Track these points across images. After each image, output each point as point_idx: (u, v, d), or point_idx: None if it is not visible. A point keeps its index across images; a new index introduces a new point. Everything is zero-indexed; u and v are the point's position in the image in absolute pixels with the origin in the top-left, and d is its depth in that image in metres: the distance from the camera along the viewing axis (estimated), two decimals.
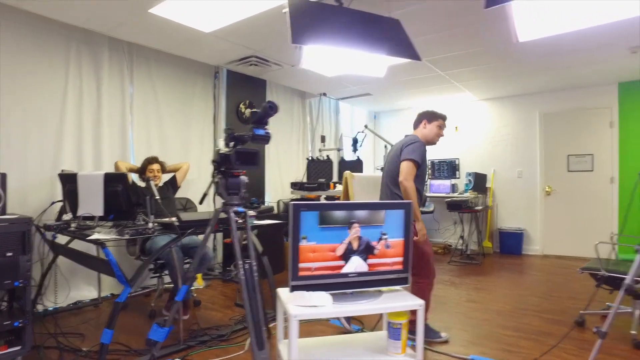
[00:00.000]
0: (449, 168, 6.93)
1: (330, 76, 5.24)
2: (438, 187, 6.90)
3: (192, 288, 4.14)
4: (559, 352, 2.67)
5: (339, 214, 2.00)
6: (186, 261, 3.46)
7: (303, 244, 1.95)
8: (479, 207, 6.06)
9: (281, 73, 5.20)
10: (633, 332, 2.90)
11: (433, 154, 7.14)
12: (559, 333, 2.93)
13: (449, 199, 5.96)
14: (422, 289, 2.83)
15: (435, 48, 4.26)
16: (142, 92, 4.24)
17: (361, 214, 2.03)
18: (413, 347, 2.02)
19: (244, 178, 2.05)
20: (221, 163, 1.97)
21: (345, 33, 2.39)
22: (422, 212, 6.77)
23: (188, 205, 4.19)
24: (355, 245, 2.02)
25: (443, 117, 3.10)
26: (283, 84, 5.82)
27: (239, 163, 1.93)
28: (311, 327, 3.10)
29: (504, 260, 5.90)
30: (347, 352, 2.08)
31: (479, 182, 6.37)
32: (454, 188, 6.75)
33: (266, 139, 1.99)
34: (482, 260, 5.82)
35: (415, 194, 2.76)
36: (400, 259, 2.12)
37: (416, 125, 3.13)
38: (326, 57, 4.04)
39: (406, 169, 2.77)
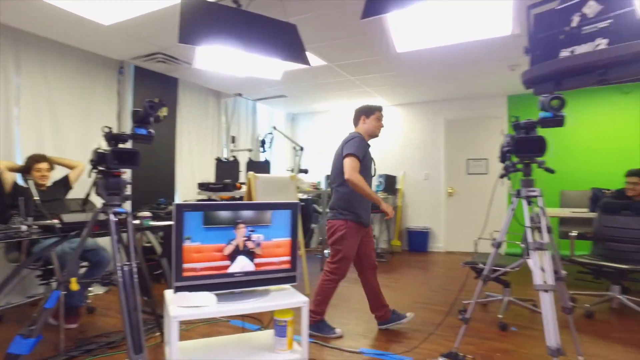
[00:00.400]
0: None
1: (243, 77, 5.22)
2: None
3: (89, 294, 3.91)
4: (439, 339, 2.92)
5: (224, 214, 2.02)
6: (83, 265, 3.27)
7: (187, 244, 1.94)
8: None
9: (194, 71, 5.07)
10: (500, 316, 3.26)
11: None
12: (445, 323, 3.18)
13: None
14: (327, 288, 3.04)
15: (340, 53, 4.42)
16: (32, 84, 3.91)
17: (247, 214, 2.06)
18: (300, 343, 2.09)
19: (125, 178, 1.98)
20: (98, 162, 1.90)
21: (240, 35, 2.41)
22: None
23: (90, 206, 3.94)
24: (241, 245, 2.05)
25: (379, 109, 3.16)
26: (196, 82, 5.69)
27: (116, 163, 1.87)
28: (211, 329, 3.07)
29: (411, 258, 6.27)
30: (233, 352, 2.10)
31: (389, 183, 6.71)
32: None
33: (148, 139, 1.95)
34: (390, 258, 6.13)
35: (365, 184, 2.87)
36: (287, 258, 2.19)
37: (356, 122, 3.18)
38: (222, 59, 3.99)
39: (349, 164, 2.86)
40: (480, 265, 3.34)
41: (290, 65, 4.32)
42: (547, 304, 1.88)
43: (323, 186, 7.42)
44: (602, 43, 2.27)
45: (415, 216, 7.03)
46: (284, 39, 2.48)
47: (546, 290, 1.91)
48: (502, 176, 2.28)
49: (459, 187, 6.75)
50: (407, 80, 5.59)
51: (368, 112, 3.11)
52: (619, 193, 3.97)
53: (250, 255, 2.07)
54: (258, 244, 2.08)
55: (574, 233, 3.83)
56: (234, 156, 5.85)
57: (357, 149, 2.90)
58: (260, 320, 3.20)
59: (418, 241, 6.82)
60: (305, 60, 2.48)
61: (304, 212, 6.39)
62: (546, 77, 2.50)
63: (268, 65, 4.12)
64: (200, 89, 5.85)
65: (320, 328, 3.02)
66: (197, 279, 1.98)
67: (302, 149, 5.53)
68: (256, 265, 2.10)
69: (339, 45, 4.14)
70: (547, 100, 2.06)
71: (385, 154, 7.22)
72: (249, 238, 2.06)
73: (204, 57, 3.89)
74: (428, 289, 4.38)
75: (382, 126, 3.18)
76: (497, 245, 2.25)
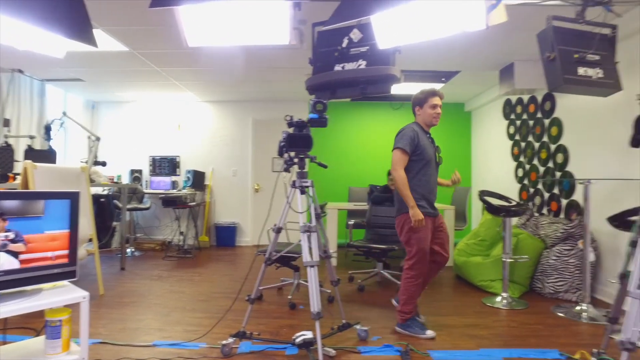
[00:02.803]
0: (170, 165, 6.97)
1: (22, 50, 4.44)
2: (158, 183, 6.86)
3: None
4: (231, 323, 3.10)
5: None
6: None
7: None
8: (194, 203, 6.35)
9: None
10: (290, 297, 3.67)
11: (155, 150, 7.06)
12: (240, 309, 3.38)
13: (163, 195, 6.01)
14: (407, 284, 2.92)
15: (142, 41, 4.20)
16: None
17: (8, 204, 1.83)
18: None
19: None
20: None
21: (19, 5, 2.10)
22: (138, 209, 6.52)
23: None
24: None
25: (432, 94, 2.95)
26: None
27: None
28: None
29: (219, 252, 6.37)
30: None
31: (197, 179, 6.67)
32: (174, 185, 6.84)
33: None
34: (196, 253, 6.12)
35: (405, 183, 2.80)
36: (65, 252, 2.02)
37: (414, 114, 3.09)
38: None
39: (394, 158, 2.86)
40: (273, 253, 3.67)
41: (76, 45, 3.89)
42: (312, 277, 2.24)
43: (125, 180, 6.92)
44: (362, 64, 2.80)
45: (223, 212, 7.16)
46: (66, 11, 2.27)
47: (312, 266, 2.27)
48: (285, 170, 2.58)
49: (265, 184, 7.18)
50: (215, 78, 5.68)
51: (421, 102, 2.99)
52: (385, 188, 4.89)
53: (13, 251, 1.85)
54: (19, 239, 1.87)
55: (351, 222, 4.56)
56: (7, 142, 4.92)
57: (405, 141, 2.85)
58: (35, 330, 2.83)
59: (226, 236, 6.97)
60: (91, 41, 2.31)
61: (102, 209, 5.82)
62: (324, 86, 2.94)
63: (48, 40, 3.62)
64: None
65: (408, 326, 2.94)
66: None
67: (98, 139, 5.03)
68: (22, 262, 1.89)
69: (140, 32, 3.95)
70: (313, 104, 2.44)
71: (195, 150, 7.15)
72: (8, 232, 1.83)
73: None
74: (229, 280, 4.56)
75: (439, 113, 2.99)
76: (277, 230, 2.54)
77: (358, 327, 2.86)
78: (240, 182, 7.17)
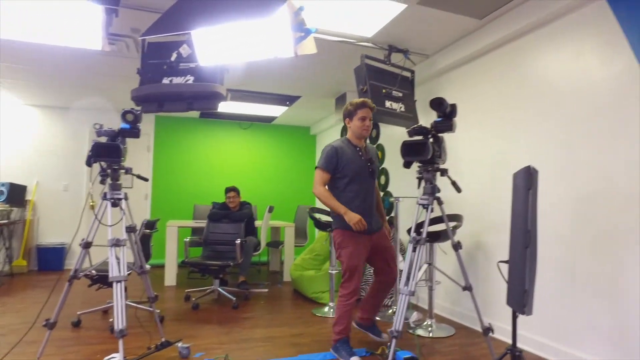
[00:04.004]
0: None
1: None
2: None
3: None
4: (29, 349, 2.73)
5: None
6: None
7: None
8: (5, 221, 5.46)
9: None
10: (111, 320, 3.40)
11: None
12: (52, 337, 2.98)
13: None
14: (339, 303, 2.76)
15: None
16: None
17: None
18: None
19: None
20: None
21: None
22: None
23: None
24: None
25: (360, 106, 2.78)
26: None
27: None
28: None
29: (39, 278, 5.56)
30: None
31: (15, 193, 5.77)
32: None
33: None
34: (6, 281, 5.24)
35: (327, 196, 2.72)
36: None
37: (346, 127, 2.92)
38: None
39: (315, 177, 2.80)
40: (93, 272, 3.38)
41: None
42: (118, 293, 2.14)
43: None
44: (190, 79, 2.84)
45: (49, 231, 6.30)
46: None
47: (119, 281, 2.16)
48: (100, 182, 2.43)
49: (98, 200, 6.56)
50: (40, 80, 5.06)
51: (350, 114, 2.83)
52: (223, 205, 4.92)
53: None
54: None
55: (187, 239, 4.46)
56: None
57: (323, 160, 2.78)
58: None
59: (51, 259, 6.12)
60: None
61: None
62: (150, 98, 2.89)
63: None
64: None
65: (337, 349, 2.78)
66: None
67: None
68: None
69: None
70: (123, 114, 2.38)
71: (14, 160, 6.18)
72: None
73: None
74: (39, 308, 4.00)
75: (369, 125, 2.82)
76: (85, 245, 2.37)
77: (179, 344, 2.79)
78: (73, 197, 6.42)
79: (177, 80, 2.85)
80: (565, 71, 2.87)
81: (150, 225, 3.93)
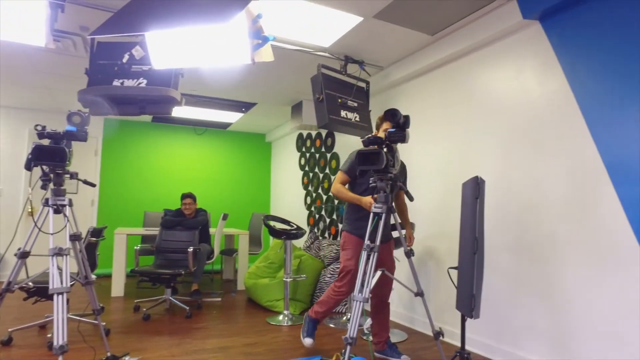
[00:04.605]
0: None
1: None
2: None
3: None
4: None
5: None
6: None
7: None
8: None
9: None
10: (49, 335, 3.19)
11: None
12: None
13: None
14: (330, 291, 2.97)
15: None
16: None
17: None
18: None
19: None
20: None
21: None
22: None
23: None
24: None
25: (384, 118, 2.79)
26: None
27: None
28: None
29: None
30: None
31: None
32: None
33: None
34: None
35: (342, 190, 2.90)
36: None
37: None
38: None
39: (335, 178, 3.01)
40: (30, 284, 3.15)
41: None
42: (59, 306, 2.01)
43: None
44: (143, 82, 2.75)
45: None
46: None
47: (60, 293, 2.04)
48: (42, 187, 2.29)
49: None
50: None
51: (377, 126, 2.97)
52: (178, 212, 4.78)
53: None
54: None
55: (137, 247, 4.28)
56: None
57: (346, 164, 2.95)
58: None
59: None
60: None
61: None
62: (99, 100, 2.76)
63: None
64: None
65: (306, 320, 3.07)
66: None
67: None
68: None
69: None
70: (68, 116, 2.27)
71: None
72: None
73: None
74: None
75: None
76: (21, 255, 2.21)
77: (127, 358, 2.67)
78: (9, 203, 5.98)
79: (129, 82, 2.74)
80: (506, 88, 3.06)
81: (96, 233, 3.74)
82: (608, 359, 2.31)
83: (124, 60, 2.78)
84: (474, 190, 2.09)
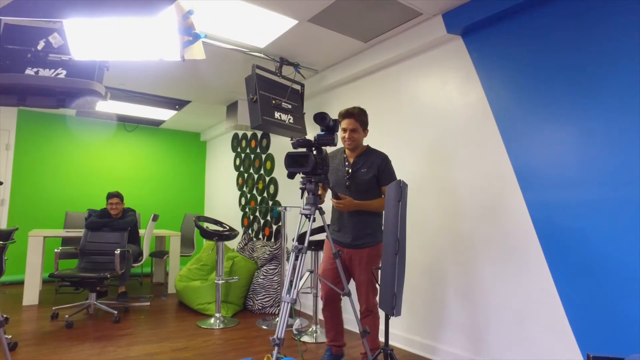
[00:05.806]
0: None
1: None
2: None
3: None
4: None
5: None
6: None
7: None
8: None
9: None
10: None
11: None
12: None
13: None
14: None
15: None
16: None
17: None
18: None
19: None
20: None
21: None
22: None
23: None
24: None
25: (340, 116, 2.77)
26: None
27: None
28: None
29: None
30: None
31: None
32: None
33: None
34: None
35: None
36: None
37: None
38: None
39: None
40: None
41: None
42: None
43: None
44: (62, 73, 2.57)
45: None
46: None
47: None
48: None
49: None
50: None
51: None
52: (104, 212, 4.51)
53: None
54: None
55: (57, 250, 3.99)
56: None
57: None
58: None
59: None
60: None
61: None
62: (9, 89, 2.54)
63: None
64: None
65: None
66: None
67: None
68: None
69: None
70: None
71: None
72: None
73: None
74: None
75: (349, 136, 2.75)
76: None
77: None
78: None
79: (45, 72, 2.54)
80: (433, 96, 3.24)
81: (4, 235, 3.42)
82: (514, 348, 2.53)
83: (39, 48, 2.56)
84: (397, 193, 2.19)
